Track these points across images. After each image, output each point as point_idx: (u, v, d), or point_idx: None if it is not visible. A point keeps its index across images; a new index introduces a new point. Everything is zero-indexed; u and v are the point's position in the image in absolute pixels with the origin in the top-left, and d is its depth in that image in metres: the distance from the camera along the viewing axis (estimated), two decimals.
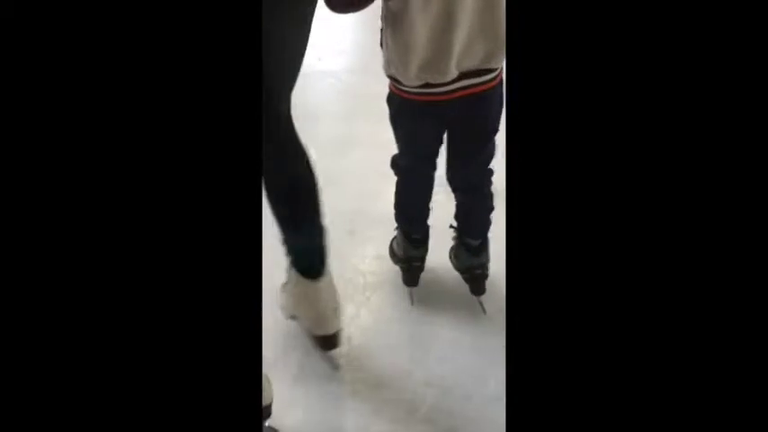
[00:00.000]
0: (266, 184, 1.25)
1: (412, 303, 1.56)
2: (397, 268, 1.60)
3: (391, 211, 1.62)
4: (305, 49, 1.20)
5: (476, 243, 1.48)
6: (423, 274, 1.57)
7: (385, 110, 1.37)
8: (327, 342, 1.37)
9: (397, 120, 1.38)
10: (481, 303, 1.53)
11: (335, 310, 1.37)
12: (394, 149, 1.48)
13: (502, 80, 1.30)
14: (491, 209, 1.47)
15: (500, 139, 1.32)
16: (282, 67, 1.18)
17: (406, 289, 1.58)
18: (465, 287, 1.55)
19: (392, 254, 1.61)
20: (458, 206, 1.49)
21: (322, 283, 1.34)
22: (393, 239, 1.62)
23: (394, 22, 1.23)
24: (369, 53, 2.26)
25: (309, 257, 1.34)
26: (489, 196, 1.45)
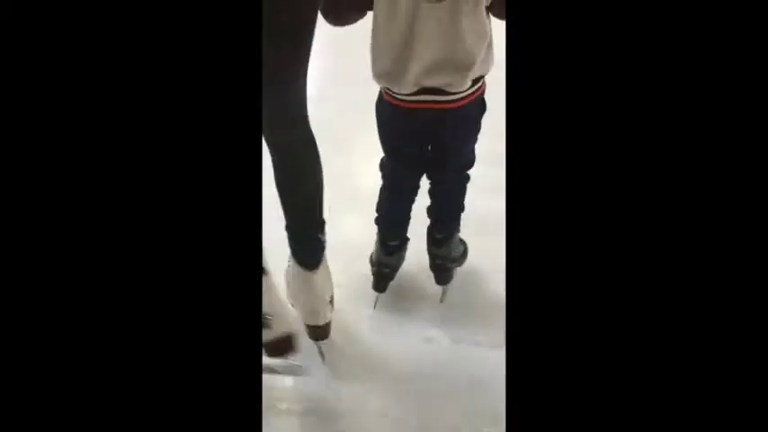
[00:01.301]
0: (276, 171, 1.29)
1: (374, 307, 1.59)
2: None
3: (347, 241, 1.63)
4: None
5: (440, 236, 1.56)
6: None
7: (344, 141, 1.39)
8: (318, 332, 1.40)
9: (376, 113, 1.45)
10: (443, 292, 1.61)
11: (329, 302, 1.40)
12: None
13: (472, 102, 1.36)
14: (458, 209, 1.55)
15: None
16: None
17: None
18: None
19: (370, 259, 1.63)
20: (430, 201, 1.56)
21: (318, 274, 1.37)
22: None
23: (373, 21, 1.31)
24: (329, 82, 2.27)
25: (308, 247, 1.36)
26: (458, 198, 1.54)
